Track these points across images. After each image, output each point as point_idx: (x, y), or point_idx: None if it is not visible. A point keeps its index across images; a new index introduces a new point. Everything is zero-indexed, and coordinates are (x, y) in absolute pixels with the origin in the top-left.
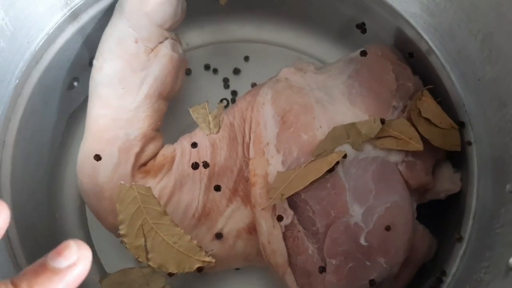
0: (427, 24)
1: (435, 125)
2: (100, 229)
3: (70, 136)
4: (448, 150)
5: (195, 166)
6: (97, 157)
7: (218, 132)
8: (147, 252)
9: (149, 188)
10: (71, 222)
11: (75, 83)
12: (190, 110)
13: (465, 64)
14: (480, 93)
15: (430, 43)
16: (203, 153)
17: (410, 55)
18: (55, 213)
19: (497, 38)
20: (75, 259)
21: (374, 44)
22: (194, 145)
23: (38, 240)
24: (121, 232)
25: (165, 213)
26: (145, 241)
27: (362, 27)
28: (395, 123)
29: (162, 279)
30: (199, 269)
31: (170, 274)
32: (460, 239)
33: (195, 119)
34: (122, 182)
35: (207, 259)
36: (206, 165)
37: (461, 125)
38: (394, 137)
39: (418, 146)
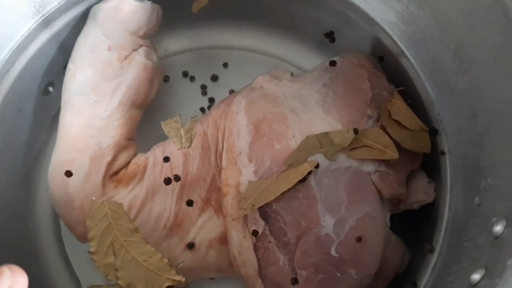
0: (402, 32)
1: (405, 127)
2: (74, 239)
3: (45, 144)
4: (418, 152)
5: (167, 181)
6: (68, 173)
7: (189, 146)
8: (116, 270)
9: (120, 205)
10: (44, 232)
11: (50, 88)
12: (162, 124)
13: (438, 73)
14: (453, 103)
15: (405, 51)
16: (176, 163)
17: (381, 59)
18: (28, 221)
19: (468, 49)
20: (7, 286)
21: (350, 52)
22: (166, 159)
23: (7, 248)
24: (91, 249)
25: (136, 230)
26: (115, 259)
27: (330, 36)
28: (369, 132)
29: None
30: None
31: None
32: (432, 250)
33: (166, 133)
34: (93, 198)
35: (177, 278)
36: (177, 178)
37: (434, 132)
38: (369, 146)
39: (394, 154)
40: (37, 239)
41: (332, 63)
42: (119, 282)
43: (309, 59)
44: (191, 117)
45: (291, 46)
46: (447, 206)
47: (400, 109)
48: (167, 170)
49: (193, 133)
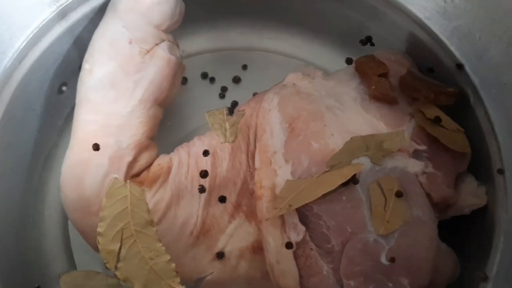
0: (443, 28)
1: (442, 126)
2: (85, 251)
3: (56, 146)
4: (458, 150)
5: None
6: (96, 147)
7: (234, 141)
8: (118, 260)
9: (143, 191)
10: (52, 243)
11: (64, 88)
12: (206, 114)
13: (487, 68)
14: (505, 99)
15: (448, 48)
16: (203, 164)
17: (430, 70)
18: (34, 230)
19: None
20: None
21: (386, 49)
22: (205, 153)
23: (13, 262)
24: (99, 229)
25: (151, 223)
26: (120, 247)
27: (369, 42)
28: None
29: None
30: None
31: None
32: (485, 278)
33: (210, 124)
34: (116, 176)
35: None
36: (205, 174)
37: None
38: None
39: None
40: (45, 251)
41: (348, 61)
42: (117, 273)
43: (334, 60)
44: (238, 111)
45: (314, 47)
46: (504, 210)
47: (431, 109)
48: (193, 172)
49: (238, 127)
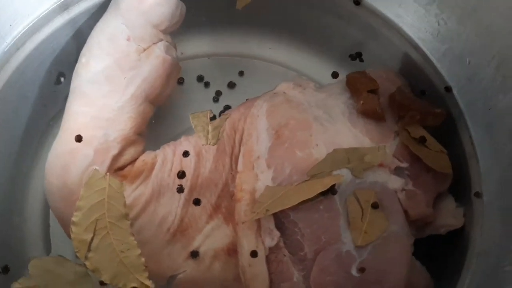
0: (436, 50)
1: (426, 147)
2: (64, 240)
3: (45, 136)
4: (439, 171)
5: (179, 189)
6: (78, 138)
7: (215, 143)
8: (88, 250)
9: (121, 185)
10: (32, 229)
11: (62, 79)
12: (190, 116)
13: (475, 92)
14: (490, 123)
15: (438, 70)
16: (187, 163)
17: (422, 93)
18: (15, 216)
19: None
20: None
21: (379, 66)
22: (185, 154)
23: None
24: (74, 218)
25: (126, 216)
26: (93, 238)
27: (359, 57)
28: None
29: (90, 286)
30: None
31: (102, 283)
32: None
33: (193, 126)
34: (96, 167)
35: (147, 282)
36: (182, 175)
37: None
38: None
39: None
40: (23, 238)
41: (334, 75)
42: (87, 263)
43: (330, 74)
44: (223, 114)
45: (313, 60)
46: (479, 232)
47: (417, 129)
48: (176, 170)
49: (221, 130)
